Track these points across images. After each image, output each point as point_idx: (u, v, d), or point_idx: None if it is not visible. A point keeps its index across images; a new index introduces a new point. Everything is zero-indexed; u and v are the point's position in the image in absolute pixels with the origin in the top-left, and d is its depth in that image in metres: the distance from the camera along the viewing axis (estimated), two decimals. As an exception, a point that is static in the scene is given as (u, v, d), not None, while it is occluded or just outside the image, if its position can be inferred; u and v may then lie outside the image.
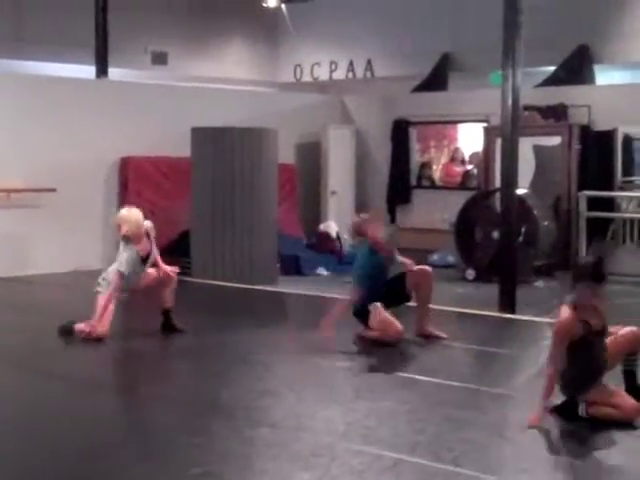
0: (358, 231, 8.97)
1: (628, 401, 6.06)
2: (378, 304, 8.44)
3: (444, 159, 16.50)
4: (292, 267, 13.83)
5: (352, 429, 6.05)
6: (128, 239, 8.68)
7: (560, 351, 6.07)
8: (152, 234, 8.97)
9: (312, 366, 7.72)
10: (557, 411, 6.16)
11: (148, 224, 8.92)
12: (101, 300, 8.62)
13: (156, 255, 9.03)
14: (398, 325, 8.39)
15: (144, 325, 9.32)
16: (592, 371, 6.15)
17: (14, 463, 5.45)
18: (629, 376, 6.39)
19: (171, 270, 9.03)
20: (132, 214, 8.81)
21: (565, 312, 6.08)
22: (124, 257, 8.65)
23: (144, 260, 8.85)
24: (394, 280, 8.78)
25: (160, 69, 18.19)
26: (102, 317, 8.53)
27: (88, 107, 13.62)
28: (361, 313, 8.55)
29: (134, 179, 14.05)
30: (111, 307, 8.61)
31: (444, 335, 8.75)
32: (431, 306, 8.87)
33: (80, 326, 8.60)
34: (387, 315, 8.45)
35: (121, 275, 8.62)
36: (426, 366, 7.86)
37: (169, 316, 9.01)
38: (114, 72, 15.70)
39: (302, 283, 12.87)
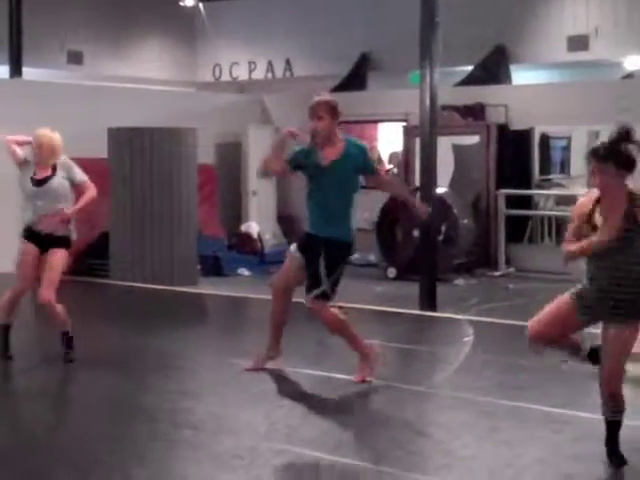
0: None
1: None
2: None
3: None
4: (212, 268, 13.72)
5: (274, 429, 6.02)
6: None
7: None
8: (61, 167, 8.52)
9: (233, 368, 7.65)
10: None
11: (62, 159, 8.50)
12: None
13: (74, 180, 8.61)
14: None
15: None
16: None
17: None
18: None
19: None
20: (48, 138, 8.39)
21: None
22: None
23: (38, 182, 8.43)
24: None
25: (76, 69, 17.94)
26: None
27: (2, 108, 13.34)
28: None
29: (51, 181, 13.78)
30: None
31: None
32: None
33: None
34: None
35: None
36: (346, 364, 7.83)
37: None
38: (29, 72, 15.44)
39: (223, 284, 12.77)
